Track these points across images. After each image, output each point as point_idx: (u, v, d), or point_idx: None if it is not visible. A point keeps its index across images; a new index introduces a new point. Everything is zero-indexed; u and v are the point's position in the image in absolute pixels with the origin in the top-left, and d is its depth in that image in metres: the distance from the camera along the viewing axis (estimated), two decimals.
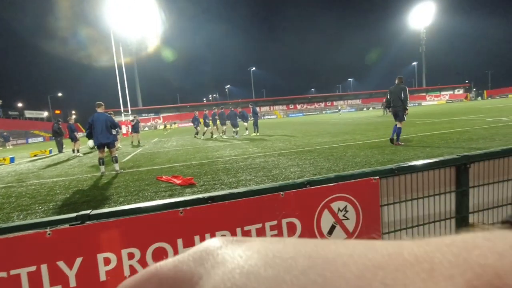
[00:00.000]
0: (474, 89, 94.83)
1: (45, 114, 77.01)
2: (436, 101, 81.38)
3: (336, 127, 17.40)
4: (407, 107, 8.37)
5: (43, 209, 4.62)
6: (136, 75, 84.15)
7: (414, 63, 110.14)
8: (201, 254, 0.19)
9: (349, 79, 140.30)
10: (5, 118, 60.84)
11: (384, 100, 29.52)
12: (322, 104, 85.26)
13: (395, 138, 8.34)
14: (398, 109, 8.44)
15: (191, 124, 21.77)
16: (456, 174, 2.37)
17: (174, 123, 70.74)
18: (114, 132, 7.64)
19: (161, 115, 78.76)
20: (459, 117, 17.22)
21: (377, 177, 2.07)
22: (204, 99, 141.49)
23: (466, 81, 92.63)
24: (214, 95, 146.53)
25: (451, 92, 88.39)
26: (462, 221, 2.44)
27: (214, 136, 17.97)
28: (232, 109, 17.61)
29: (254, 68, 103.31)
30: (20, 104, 75.00)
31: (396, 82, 8.50)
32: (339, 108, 43.37)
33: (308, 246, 0.18)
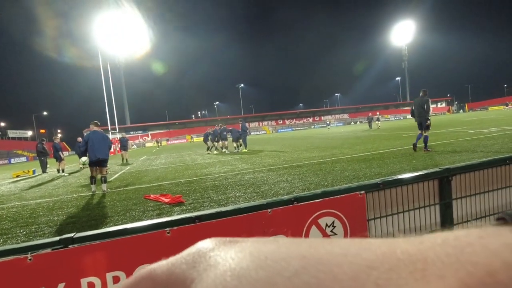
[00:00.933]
0: (456, 102, 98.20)
1: (30, 133, 75.39)
2: None
3: (325, 142, 17.60)
4: (429, 118, 8.94)
5: (24, 232, 4.46)
6: (124, 92, 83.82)
7: (398, 78, 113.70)
8: (194, 256, 0.19)
9: (336, 94, 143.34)
10: None
11: (369, 116, 30.16)
12: (311, 119, 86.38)
13: (418, 145, 9.11)
14: (422, 119, 8.99)
15: (184, 140, 21.48)
16: (439, 186, 2.43)
17: (167, 140, 70.12)
18: (111, 150, 7.54)
19: (149, 132, 78.11)
20: (443, 129, 17.72)
21: (363, 191, 2.11)
22: (193, 116, 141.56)
23: (448, 95, 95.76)
24: (203, 111, 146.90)
25: (434, 105, 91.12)
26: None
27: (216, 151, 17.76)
28: (222, 126, 17.66)
29: (242, 85, 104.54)
30: (2, 124, 73.31)
31: (420, 94, 9.17)
32: (328, 123, 44.00)
33: (302, 246, 0.18)
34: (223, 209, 1.87)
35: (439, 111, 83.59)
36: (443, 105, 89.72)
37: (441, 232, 0.17)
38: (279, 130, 77.73)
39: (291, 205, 1.93)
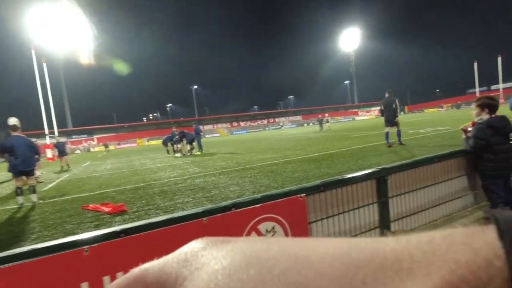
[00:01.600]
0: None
1: None
2: (367, 116, 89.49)
3: (278, 143, 17.91)
4: (398, 115, 9.91)
5: None
6: (64, 92, 77.17)
7: (347, 81, 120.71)
8: (186, 255, 0.20)
9: (289, 97, 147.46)
10: None
11: (319, 117, 31.46)
12: (265, 121, 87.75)
13: (390, 140, 9.95)
14: (391, 116, 9.94)
15: (135, 144, 20.01)
16: (377, 186, 2.51)
17: (118, 144, 65.83)
18: (37, 157, 6.78)
19: (95, 136, 72.80)
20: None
21: (304, 194, 2.08)
22: (144, 118, 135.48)
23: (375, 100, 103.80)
24: (155, 114, 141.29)
25: (379, 107, 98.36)
26: (386, 230, 2.58)
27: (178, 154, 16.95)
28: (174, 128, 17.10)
29: (196, 87, 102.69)
30: None
31: (386, 95, 10.06)
32: (282, 124, 44.98)
33: (292, 245, 0.18)
34: (152, 220, 1.70)
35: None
36: None
37: (428, 231, 0.17)
38: (234, 132, 77.68)
39: (229, 212, 1.82)
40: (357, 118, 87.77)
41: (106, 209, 4.98)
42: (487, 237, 0.15)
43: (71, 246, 1.47)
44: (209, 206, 1.81)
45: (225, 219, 1.83)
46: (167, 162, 13.31)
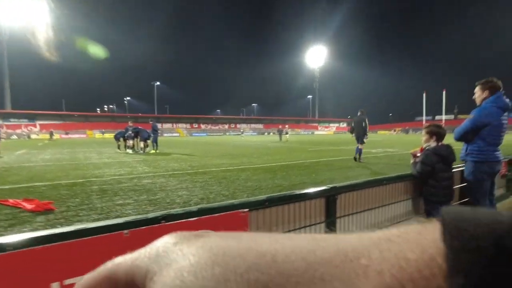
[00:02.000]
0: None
1: None
2: (326, 131, 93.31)
3: (236, 150, 17.71)
4: (367, 133, 10.31)
5: None
6: (5, 69, 69.45)
7: (309, 96, 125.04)
8: (157, 250, 0.20)
9: (253, 104, 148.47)
10: None
11: (279, 128, 31.93)
12: (226, 126, 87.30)
13: (357, 157, 10.41)
14: (359, 134, 10.30)
15: (84, 135, 18.25)
16: (326, 204, 2.40)
17: (67, 133, 60.54)
18: None
19: (38, 122, 66.38)
20: (343, 146, 19.85)
21: (247, 209, 1.88)
22: (98, 109, 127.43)
23: (348, 116, 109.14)
24: (111, 106, 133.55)
25: (337, 124, 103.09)
26: None
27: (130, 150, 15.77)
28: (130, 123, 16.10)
29: (158, 83, 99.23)
30: None
31: (358, 114, 10.45)
32: (242, 131, 44.96)
33: (261, 241, 0.18)
34: (61, 229, 1.38)
35: (341, 130, 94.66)
36: (345, 125, 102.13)
37: (390, 229, 0.17)
38: (194, 134, 76.10)
39: (157, 225, 1.56)
40: (316, 132, 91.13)
41: (29, 206, 4.35)
42: (435, 234, 0.15)
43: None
44: (133, 216, 1.53)
45: (152, 233, 1.56)
46: (116, 158, 12.42)
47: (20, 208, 4.39)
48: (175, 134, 74.66)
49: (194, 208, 1.68)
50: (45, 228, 3.55)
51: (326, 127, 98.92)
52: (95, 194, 5.47)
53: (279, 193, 2.18)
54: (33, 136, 57.12)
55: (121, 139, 16.68)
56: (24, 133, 58.17)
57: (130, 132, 15.88)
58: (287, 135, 31.43)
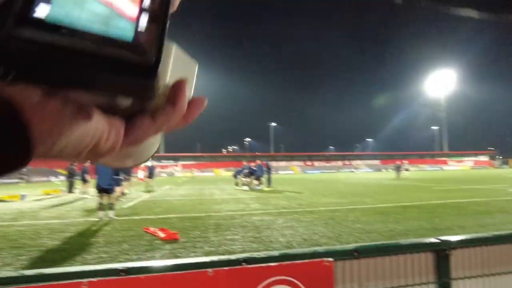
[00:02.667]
0: (499, 157, 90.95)
1: None
2: (459, 166, 78.40)
3: (348, 188, 16.82)
4: None
5: (11, 254, 4.45)
6: None
7: (435, 127, 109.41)
8: None
9: (367, 139, 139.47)
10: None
11: (396, 164, 28.51)
12: (340, 163, 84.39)
13: None
14: None
15: (212, 174, 20.86)
16: (435, 262, 2.03)
17: (202, 172, 71.23)
18: (121, 177, 7.66)
19: (180, 162, 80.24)
20: (480, 185, 16.24)
21: (331, 259, 1.79)
22: (224, 150, 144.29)
23: (490, 148, 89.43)
24: (234, 146, 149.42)
25: (474, 158, 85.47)
26: None
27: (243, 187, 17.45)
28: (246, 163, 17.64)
29: (273, 123, 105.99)
30: None
31: None
32: (356, 167, 42.45)
33: None
34: (153, 263, 1.66)
35: (480, 165, 78.03)
36: (485, 158, 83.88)
37: None
38: (307, 171, 76.34)
39: (238, 267, 1.67)
40: (446, 167, 77.58)
41: (161, 235, 5.24)
42: None
43: (69, 278, 1.51)
44: (218, 257, 1.69)
45: (233, 274, 1.68)
46: (233, 195, 13.64)
47: (155, 236, 5.33)
48: (289, 171, 76.76)
49: (275, 252, 1.73)
50: (169, 257, 4.19)
51: (459, 162, 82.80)
52: (211, 228, 6.13)
53: (372, 243, 2.00)
54: (176, 174, 68.90)
55: (239, 176, 18.33)
56: (170, 172, 71.12)
57: (246, 170, 17.32)
58: (407, 172, 27.77)
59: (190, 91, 0.29)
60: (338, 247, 1.90)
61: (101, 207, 7.34)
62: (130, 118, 0.26)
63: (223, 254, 4.26)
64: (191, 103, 0.28)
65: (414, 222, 6.26)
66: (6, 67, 0.19)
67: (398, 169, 28.06)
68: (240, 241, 4.94)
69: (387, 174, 42.22)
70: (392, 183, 20.60)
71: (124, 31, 0.20)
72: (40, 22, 0.19)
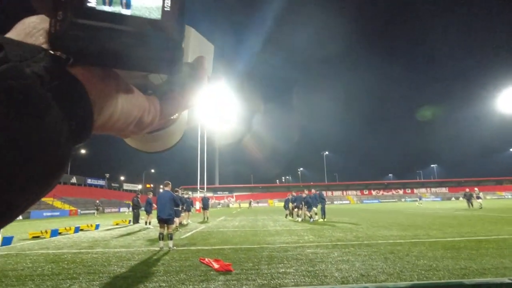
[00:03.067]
0: None
1: (139, 187, 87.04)
2: None
3: (411, 219, 15.44)
4: None
5: (86, 279, 4.97)
6: (216, 157, 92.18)
7: None
8: None
9: (432, 165, 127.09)
10: (108, 189, 71.19)
11: (466, 192, 25.13)
12: (401, 191, 77.98)
13: None
14: None
15: (266, 204, 20.86)
16: None
17: (257, 203, 71.88)
18: (180, 208, 8.19)
19: (234, 194, 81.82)
20: None
21: None
22: (277, 180, 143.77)
23: None
24: (287, 177, 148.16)
25: None
26: None
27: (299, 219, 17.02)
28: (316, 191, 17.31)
29: (327, 152, 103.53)
30: (122, 178, 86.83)
31: None
32: (420, 196, 38.72)
33: None
34: None
35: None
36: None
37: None
38: (364, 201, 71.89)
39: None
40: None
41: (216, 266, 5.41)
42: None
43: None
44: None
45: None
46: (287, 226, 13.45)
47: (210, 266, 5.52)
48: (345, 201, 73.12)
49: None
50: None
51: None
52: (264, 260, 6.14)
53: (434, 281, 1.91)
54: (231, 205, 70.25)
55: (290, 207, 18.07)
56: (225, 203, 72.77)
57: (298, 201, 17.04)
58: (480, 200, 24.48)
59: (209, 69, 0.34)
60: (391, 284, 1.87)
61: (161, 237, 7.86)
62: (162, 96, 0.31)
63: None
64: (210, 79, 0.34)
65: (492, 259, 5.52)
66: (67, 52, 0.23)
67: (469, 197, 24.92)
68: (293, 275, 4.87)
69: (457, 204, 37.72)
70: (464, 213, 18.36)
71: (155, 11, 0.25)
72: (92, 10, 0.23)
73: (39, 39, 0.24)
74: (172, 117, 0.33)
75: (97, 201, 37.29)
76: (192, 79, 0.32)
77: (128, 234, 12.29)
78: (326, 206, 16.98)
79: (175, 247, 7.93)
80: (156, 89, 0.32)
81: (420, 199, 35.99)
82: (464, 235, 8.61)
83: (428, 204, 41.62)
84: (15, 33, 0.25)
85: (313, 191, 17.43)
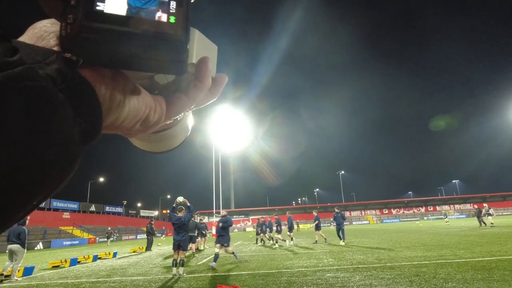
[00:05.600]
0: None
1: (156, 213, 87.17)
2: None
3: (435, 238, 14.73)
4: None
5: None
6: (231, 180, 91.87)
7: None
8: None
9: (453, 181, 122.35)
10: (125, 216, 71.73)
11: (476, 209, 23.46)
12: (423, 209, 74.91)
13: None
14: None
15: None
16: None
17: None
18: (195, 234, 8.15)
19: (250, 217, 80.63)
20: None
21: None
22: (294, 202, 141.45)
23: None
24: (304, 198, 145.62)
25: None
26: None
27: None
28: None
29: (342, 172, 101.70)
30: (139, 204, 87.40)
31: None
32: (445, 213, 36.95)
33: None
34: None
35: None
36: None
37: None
38: (384, 221, 69.24)
39: None
40: None
41: None
42: None
43: None
44: None
45: None
46: (305, 249, 13.07)
47: None
48: (364, 221, 70.69)
49: None
50: None
51: None
52: (283, 285, 5.96)
53: None
54: (247, 229, 69.10)
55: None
56: (241, 227, 71.74)
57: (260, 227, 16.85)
58: (490, 218, 22.72)
59: (213, 69, 0.34)
60: None
61: (174, 263, 7.78)
62: (167, 96, 0.32)
63: None
64: (214, 79, 0.34)
65: None
66: (78, 54, 0.24)
67: (479, 215, 23.27)
68: None
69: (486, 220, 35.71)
70: (492, 231, 17.38)
71: (161, 14, 0.26)
72: (101, 13, 0.24)
73: (50, 42, 0.26)
74: (177, 117, 0.34)
75: (109, 228, 36.21)
76: (197, 79, 0.32)
77: (145, 261, 12.22)
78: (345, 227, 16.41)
79: (184, 274, 7.79)
80: (162, 89, 0.33)
81: (446, 216, 34.37)
82: (495, 254, 8.11)
83: (453, 221, 39.65)
84: (27, 37, 0.26)
85: (336, 210, 16.86)
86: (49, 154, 0.21)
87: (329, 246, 13.78)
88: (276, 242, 16.22)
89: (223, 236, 9.39)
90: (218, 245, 9.35)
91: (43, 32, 0.26)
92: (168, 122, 0.33)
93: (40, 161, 0.20)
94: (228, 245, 9.30)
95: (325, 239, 16.00)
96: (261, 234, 18.25)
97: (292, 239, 16.31)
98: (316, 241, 16.03)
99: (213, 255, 9.22)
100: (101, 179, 75.41)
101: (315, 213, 16.79)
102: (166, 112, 0.31)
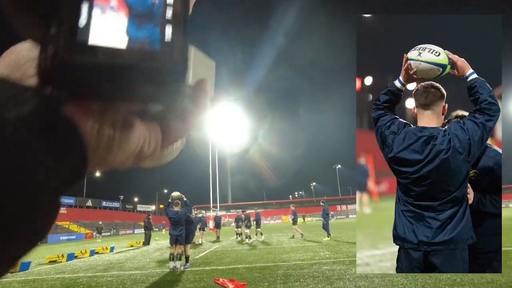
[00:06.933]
0: None
1: (153, 207, 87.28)
2: None
3: None
4: None
5: None
6: (228, 175, 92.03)
7: None
8: None
9: None
10: (122, 211, 71.76)
11: None
12: None
13: None
14: None
15: (280, 221, 20.68)
16: None
17: (267, 220, 70.90)
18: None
19: (248, 211, 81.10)
20: None
21: None
22: (290, 196, 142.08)
23: None
24: (300, 192, 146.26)
25: None
26: None
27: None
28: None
29: (339, 166, 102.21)
30: (136, 199, 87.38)
31: None
32: None
33: None
34: None
35: None
36: None
37: None
38: None
39: None
40: None
41: (231, 286, 5.32)
42: None
43: None
44: None
45: None
46: (302, 243, 13.16)
47: (225, 287, 5.41)
48: None
49: None
50: None
51: None
52: (280, 278, 5.99)
53: None
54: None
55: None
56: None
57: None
58: None
59: (211, 89, 0.32)
60: None
61: (172, 257, 7.80)
62: (163, 122, 0.29)
63: None
64: (212, 100, 0.32)
65: None
66: (58, 89, 0.22)
67: None
68: None
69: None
70: None
71: (153, 43, 0.24)
72: (84, 45, 0.21)
73: (28, 71, 0.23)
74: (173, 145, 0.31)
75: (100, 223, 34.46)
76: (194, 103, 0.29)
77: (142, 255, 12.25)
78: (330, 221, 15.95)
79: (183, 268, 7.82)
80: (156, 116, 0.29)
81: None
82: None
83: None
84: (3, 65, 0.23)
85: (321, 203, 16.84)
86: (24, 212, 0.18)
87: (327, 240, 13.87)
88: (246, 237, 16.29)
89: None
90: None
91: (20, 58, 0.23)
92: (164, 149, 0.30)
93: (16, 219, 0.18)
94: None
95: (302, 234, 15.98)
96: (238, 229, 18.42)
97: (261, 234, 16.59)
98: (293, 235, 16.14)
99: (210, 249, 9.23)
100: (98, 174, 75.20)
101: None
102: (161, 142, 0.28)
